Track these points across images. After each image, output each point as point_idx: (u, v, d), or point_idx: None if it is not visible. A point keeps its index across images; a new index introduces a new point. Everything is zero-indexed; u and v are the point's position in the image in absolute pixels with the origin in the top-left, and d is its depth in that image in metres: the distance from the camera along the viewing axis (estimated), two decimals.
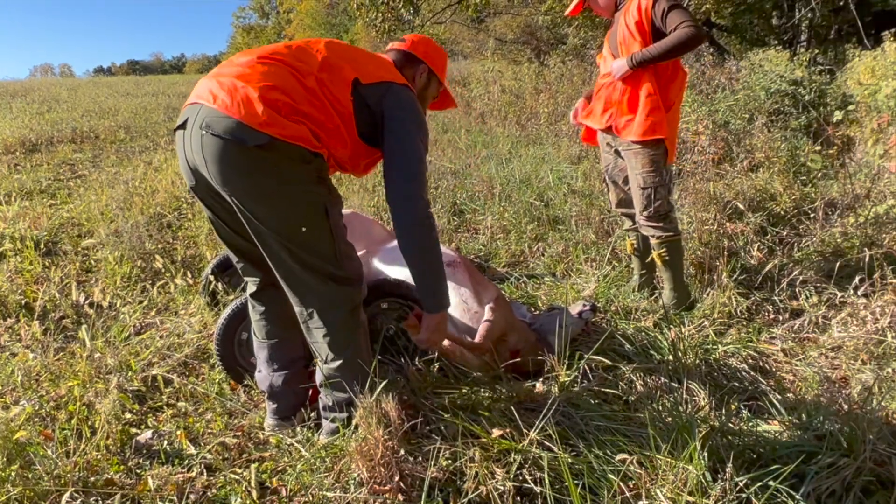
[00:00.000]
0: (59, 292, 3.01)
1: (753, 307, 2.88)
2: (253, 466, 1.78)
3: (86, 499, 1.64)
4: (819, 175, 4.54)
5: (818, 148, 4.84)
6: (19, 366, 2.25)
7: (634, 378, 2.21)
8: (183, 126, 1.66)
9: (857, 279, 2.81)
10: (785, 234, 3.55)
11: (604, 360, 2.30)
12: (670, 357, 2.34)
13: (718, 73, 6.78)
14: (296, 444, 1.86)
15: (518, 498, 1.64)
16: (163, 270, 3.32)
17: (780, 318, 2.82)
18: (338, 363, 1.80)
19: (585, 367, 2.30)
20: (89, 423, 1.95)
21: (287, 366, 1.98)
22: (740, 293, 2.91)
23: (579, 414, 1.91)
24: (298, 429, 1.95)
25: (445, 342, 2.09)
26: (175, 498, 1.67)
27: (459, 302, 2.34)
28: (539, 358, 2.25)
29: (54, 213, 4.54)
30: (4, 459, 1.70)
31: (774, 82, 5.91)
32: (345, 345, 1.79)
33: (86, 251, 3.75)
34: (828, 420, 1.78)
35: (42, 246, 3.77)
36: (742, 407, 2.10)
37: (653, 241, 2.85)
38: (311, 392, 2.06)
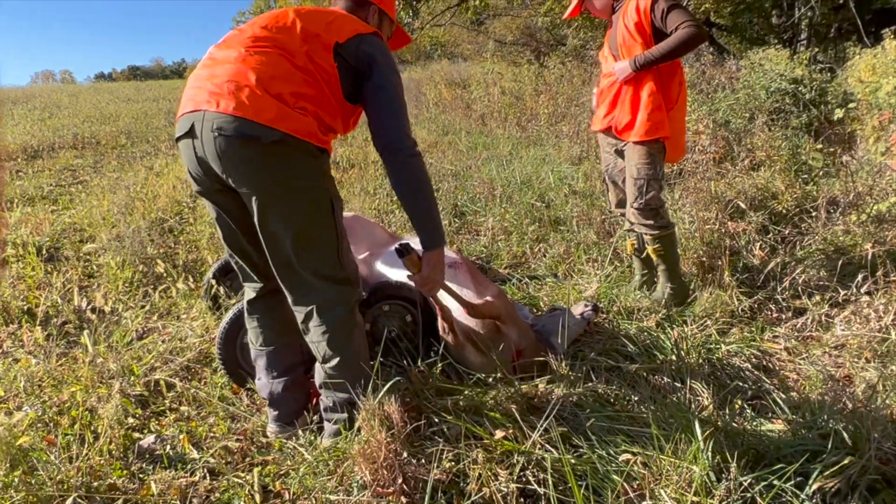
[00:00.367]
0: (61, 298, 3.02)
1: (756, 306, 2.87)
2: (256, 470, 1.78)
3: None
4: (820, 173, 4.53)
5: (819, 146, 4.83)
6: (22, 371, 2.25)
7: (637, 378, 2.20)
8: (190, 133, 1.65)
9: (860, 277, 2.80)
10: (787, 232, 3.55)
11: (607, 360, 2.30)
12: (673, 357, 2.33)
13: (718, 73, 6.77)
14: (298, 448, 1.86)
15: (521, 499, 1.64)
16: (164, 275, 3.33)
17: (783, 316, 2.81)
18: (336, 361, 1.81)
19: (588, 367, 2.30)
20: (92, 428, 1.95)
21: (286, 372, 1.98)
22: (743, 292, 2.90)
23: (582, 414, 1.90)
24: (301, 432, 1.94)
25: (444, 295, 2.14)
26: (178, 502, 1.67)
27: (462, 304, 2.34)
28: (541, 359, 2.24)
29: (56, 218, 4.55)
30: (8, 465, 1.70)
31: (775, 81, 5.90)
32: (344, 344, 1.81)
33: (88, 256, 3.75)
34: (832, 419, 1.77)
35: (44, 252, 3.77)
36: (746, 406, 2.09)
37: (646, 238, 2.85)
38: (312, 396, 2.05)
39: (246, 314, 1.99)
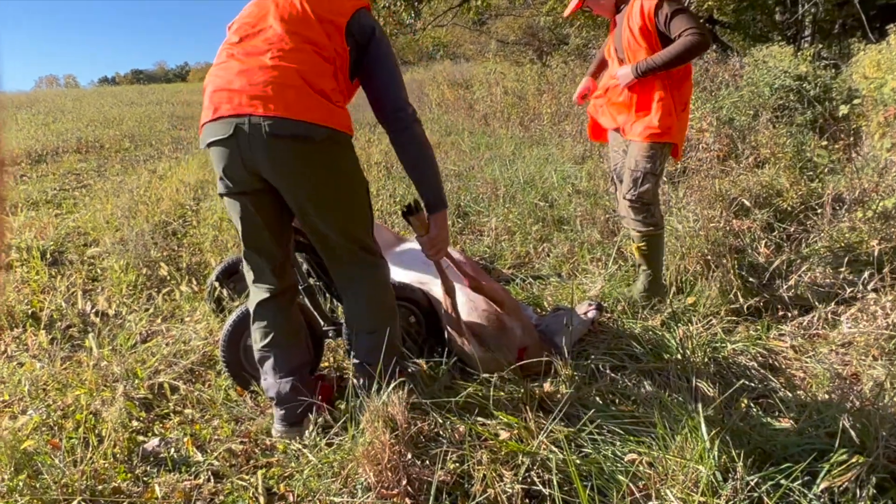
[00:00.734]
0: (65, 301, 3.02)
1: (762, 304, 2.85)
2: (260, 472, 1.77)
3: None
4: (826, 170, 4.50)
5: (824, 143, 4.81)
6: (26, 375, 2.26)
7: (642, 378, 2.19)
8: (234, 136, 1.67)
9: (866, 274, 2.79)
10: (792, 230, 3.53)
11: (611, 359, 2.29)
12: (678, 356, 2.32)
13: (722, 70, 6.74)
14: (303, 450, 1.85)
15: (526, 500, 1.63)
16: (168, 278, 3.33)
17: (789, 314, 2.79)
18: (380, 330, 1.92)
19: (593, 367, 2.29)
20: (96, 431, 1.95)
21: (293, 371, 1.97)
22: (748, 290, 2.89)
23: (587, 414, 1.89)
24: (306, 433, 1.94)
25: (447, 264, 2.23)
26: None
27: (466, 301, 2.34)
28: (546, 358, 2.23)
29: (60, 222, 4.56)
30: (12, 469, 1.70)
31: (779, 78, 5.87)
32: (388, 313, 1.98)
33: (91, 260, 3.76)
34: (839, 417, 1.75)
35: (48, 256, 3.78)
36: (752, 405, 2.07)
37: (634, 234, 2.83)
38: (320, 395, 2.05)
39: (255, 315, 1.97)
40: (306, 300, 2.40)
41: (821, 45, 8.25)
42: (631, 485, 1.60)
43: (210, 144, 1.74)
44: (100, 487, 1.70)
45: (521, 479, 1.65)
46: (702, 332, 2.58)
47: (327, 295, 2.65)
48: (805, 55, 6.41)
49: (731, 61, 7.15)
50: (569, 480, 1.62)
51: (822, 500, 1.54)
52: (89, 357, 2.34)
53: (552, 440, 1.78)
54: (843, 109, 4.68)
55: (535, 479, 1.66)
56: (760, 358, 2.45)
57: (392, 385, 1.83)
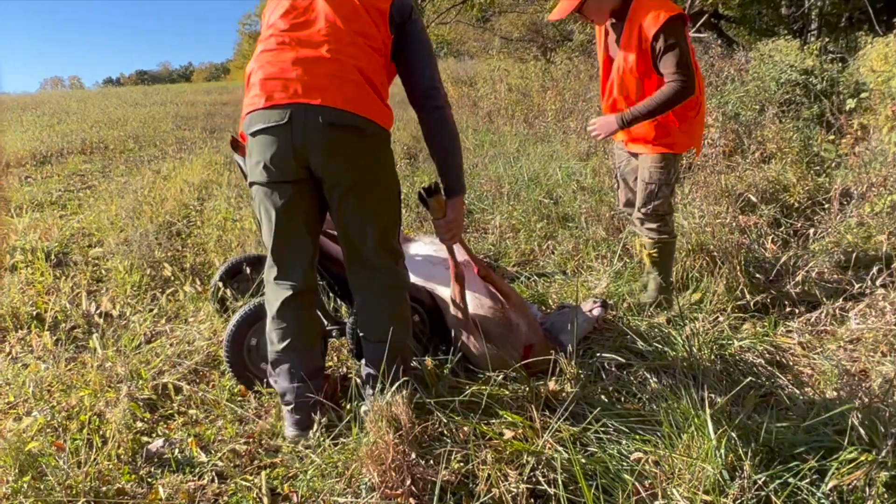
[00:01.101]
0: (69, 302, 3.03)
1: (768, 300, 2.83)
2: (264, 473, 1.77)
3: None
4: (833, 164, 4.47)
5: (831, 137, 4.77)
6: (31, 377, 2.26)
7: (648, 376, 2.17)
8: (288, 124, 1.69)
9: (874, 269, 2.76)
10: (799, 225, 3.50)
11: (617, 357, 2.27)
12: (685, 353, 2.30)
13: (727, 65, 6.70)
14: (307, 450, 1.85)
15: (531, 500, 1.62)
16: (172, 278, 3.33)
17: (797, 311, 2.77)
18: (399, 336, 1.93)
19: (598, 365, 2.27)
20: (100, 432, 1.95)
21: (311, 376, 1.95)
22: (755, 286, 2.86)
23: (593, 413, 1.88)
24: (310, 433, 1.93)
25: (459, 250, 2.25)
26: None
27: (472, 298, 2.33)
28: (551, 356, 2.22)
29: (65, 223, 4.57)
30: (17, 471, 1.70)
31: (785, 72, 5.83)
32: (407, 320, 2.00)
33: (96, 261, 3.77)
34: (848, 414, 1.73)
35: (53, 257, 3.79)
36: (759, 403, 2.05)
37: (645, 240, 2.81)
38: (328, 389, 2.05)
39: (277, 314, 1.91)
40: None
41: (827, 39, 8.18)
42: (637, 484, 1.58)
43: (258, 132, 1.74)
44: (104, 488, 1.70)
45: (525, 478, 1.64)
46: (708, 329, 2.55)
47: (330, 295, 2.65)
48: (811, 49, 6.37)
49: (736, 56, 7.10)
50: (574, 480, 1.61)
51: (830, 498, 1.52)
52: (93, 358, 2.34)
53: (557, 439, 1.77)
54: (851, 103, 4.63)
55: (540, 478, 1.65)
56: (767, 355, 2.43)
57: (396, 385, 1.82)
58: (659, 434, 1.74)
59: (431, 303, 2.39)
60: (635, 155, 2.85)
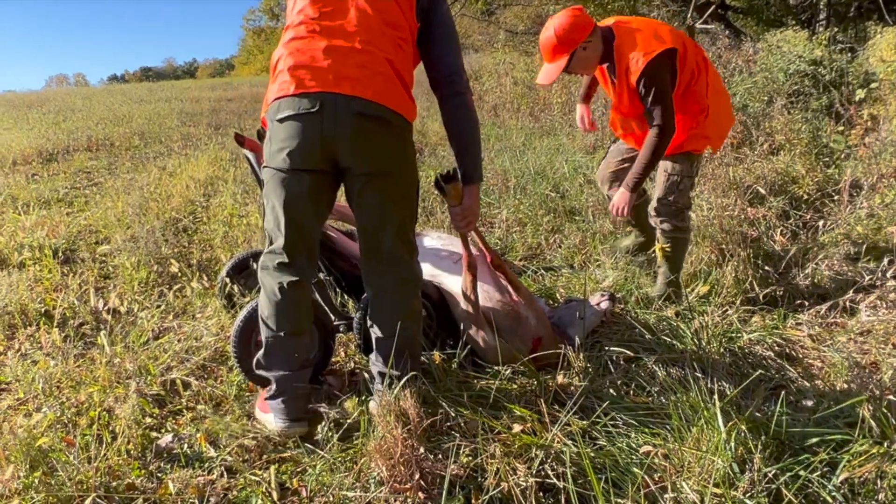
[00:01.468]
0: (77, 299, 3.04)
1: (778, 293, 2.81)
2: (273, 468, 1.77)
3: None
4: (842, 156, 4.43)
5: (840, 128, 4.73)
6: (40, 373, 2.27)
7: (657, 369, 2.17)
8: (319, 112, 1.70)
9: (885, 261, 2.74)
10: (808, 217, 3.48)
11: (626, 351, 2.26)
12: (693, 346, 2.29)
13: (735, 56, 6.65)
14: (315, 445, 1.85)
15: (540, 493, 1.62)
16: (179, 274, 3.34)
17: (806, 303, 2.75)
18: (411, 330, 1.94)
19: (606, 358, 2.26)
20: (110, 428, 1.96)
21: (305, 365, 1.96)
22: (764, 279, 2.85)
23: (602, 406, 1.87)
24: (319, 428, 1.93)
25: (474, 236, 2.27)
26: (196, 501, 1.67)
27: (482, 291, 2.32)
28: (560, 350, 2.22)
29: (72, 221, 4.59)
30: (28, 466, 1.71)
31: (793, 63, 5.77)
32: (419, 314, 2.00)
33: (103, 258, 3.78)
34: (859, 407, 1.72)
35: (60, 254, 3.80)
36: (769, 395, 2.04)
37: (659, 235, 2.80)
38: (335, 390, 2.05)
39: (280, 301, 1.88)
40: (317, 295, 2.40)
41: (836, 29, 8.10)
42: (646, 477, 1.58)
43: (287, 118, 1.73)
44: (114, 484, 1.71)
45: (534, 472, 1.63)
46: (717, 322, 2.54)
47: (337, 290, 2.65)
48: (820, 39, 6.30)
49: (744, 47, 7.05)
50: (583, 473, 1.60)
51: (841, 491, 1.52)
52: (102, 354, 2.35)
53: (566, 433, 1.76)
54: (860, 94, 4.59)
55: (549, 472, 1.65)
56: (777, 348, 2.42)
57: (404, 380, 1.82)
58: (668, 427, 1.73)
59: (438, 297, 2.39)
60: (632, 160, 2.87)
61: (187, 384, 2.26)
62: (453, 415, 1.87)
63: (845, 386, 2.09)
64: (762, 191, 3.66)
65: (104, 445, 1.82)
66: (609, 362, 2.24)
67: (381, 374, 1.95)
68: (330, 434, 1.88)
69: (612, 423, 1.83)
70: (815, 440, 1.66)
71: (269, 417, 1.96)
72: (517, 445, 1.72)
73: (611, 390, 2.07)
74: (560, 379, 2.13)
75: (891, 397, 1.74)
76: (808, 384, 2.14)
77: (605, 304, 2.55)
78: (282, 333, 1.91)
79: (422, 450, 1.67)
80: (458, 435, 1.79)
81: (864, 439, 1.58)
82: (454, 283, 2.35)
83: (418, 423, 1.71)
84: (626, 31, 2.56)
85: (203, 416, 2.09)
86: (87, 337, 2.71)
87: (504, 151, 5.87)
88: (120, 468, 1.78)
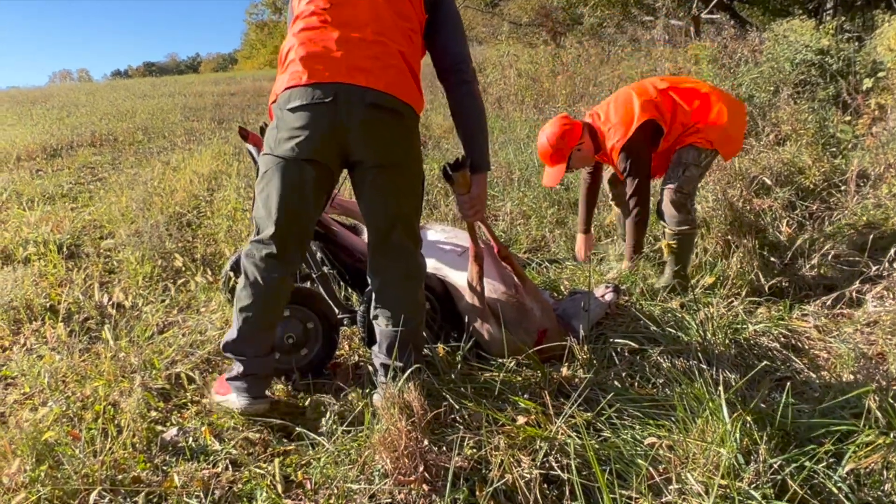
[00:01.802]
0: (82, 294, 3.05)
1: (784, 284, 2.79)
2: (277, 461, 1.77)
3: (114, 497, 1.64)
4: (849, 146, 4.40)
5: (847, 118, 4.69)
6: (46, 368, 2.27)
7: (662, 360, 2.16)
8: (333, 102, 1.70)
9: (892, 251, 2.72)
10: (815, 207, 3.45)
11: (630, 343, 2.25)
12: (698, 338, 2.28)
13: (741, 46, 6.59)
14: (320, 438, 1.85)
15: (545, 485, 1.61)
16: (183, 269, 3.35)
17: (812, 294, 2.73)
18: (415, 323, 1.96)
19: (611, 350, 2.25)
20: (115, 422, 1.96)
21: (270, 351, 1.98)
22: (769, 270, 2.83)
23: (606, 398, 1.86)
24: (322, 421, 1.93)
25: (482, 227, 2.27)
26: (201, 494, 1.67)
27: (487, 283, 2.31)
28: (565, 342, 2.21)
29: (76, 216, 4.59)
30: (34, 460, 1.71)
31: (800, 52, 5.73)
32: (422, 307, 2.00)
33: (107, 253, 3.79)
34: (865, 397, 1.71)
35: (65, 249, 3.81)
36: (775, 386, 2.03)
37: (666, 231, 2.80)
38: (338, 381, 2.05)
39: (266, 289, 1.85)
40: (321, 288, 2.40)
41: (843, 18, 8.03)
42: (651, 469, 1.57)
43: (299, 108, 1.72)
44: (120, 477, 1.71)
45: (539, 464, 1.63)
46: (722, 313, 2.53)
47: (341, 283, 2.64)
48: (827, 28, 6.24)
49: (749, 37, 6.99)
50: (587, 465, 1.60)
51: (847, 482, 1.51)
52: (107, 349, 2.35)
53: (570, 425, 1.76)
54: (868, 83, 4.55)
55: (554, 464, 1.64)
56: (783, 339, 2.40)
57: (408, 372, 1.82)
58: (673, 418, 1.72)
59: (443, 290, 2.39)
60: None
61: (192, 378, 2.26)
62: (457, 407, 1.86)
63: (851, 377, 2.07)
64: (768, 181, 3.64)
65: (110, 439, 1.82)
66: (614, 354, 2.23)
67: (385, 366, 1.95)
68: (334, 427, 1.88)
69: (616, 414, 1.83)
70: (820, 431, 1.65)
71: (231, 397, 1.95)
72: (521, 437, 1.72)
73: (615, 382, 2.06)
74: (564, 371, 2.12)
75: None
76: (813, 375, 2.12)
77: (609, 296, 2.54)
78: (261, 324, 1.90)
79: (426, 442, 1.67)
80: (462, 427, 1.79)
81: (870, 430, 1.56)
82: (458, 277, 2.34)
83: (422, 416, 1.71)
84: (603, 122, 2.93)
85: (208, 410, 2.10)
86: (92, 331, 2.72)
87: (508, 144, 5.85)
88: (125, 461, 1.78)
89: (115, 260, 3.65)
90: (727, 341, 2.30)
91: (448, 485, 1.55)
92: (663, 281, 2.84)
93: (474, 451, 1.71)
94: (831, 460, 1.56)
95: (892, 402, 1.64)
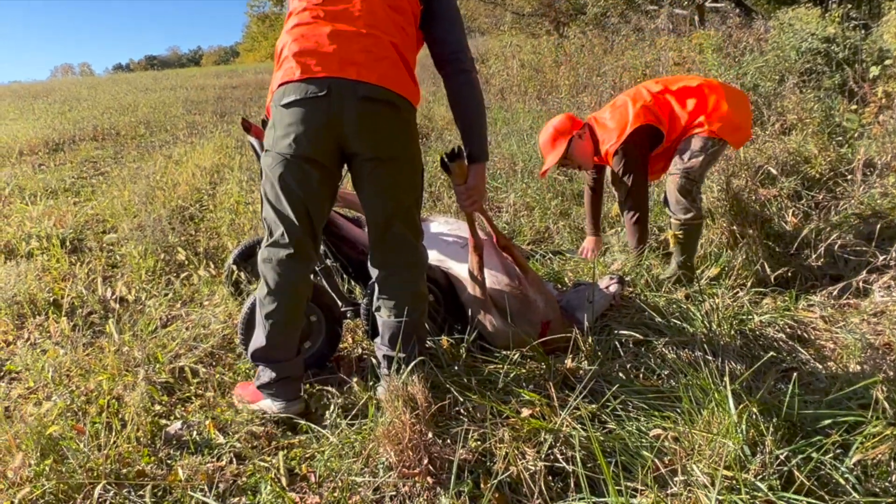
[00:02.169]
0: (85, 288, 3.05)
1: (789, 274, 2.77)
2: (281, 454, 1.77)
3: (118, 490, 1.65)
4: (855, 135, 4.36)
5: (854, 107, 4.65)
6: (50, 362, 2.28)
7: (667, 352, 2.14)
8: (327, 96, 1.69)
9: None
10: (821, 197, 3.43)
11: (635, 334, 2.24)
12: (704, 329, 2.26)
13: (746, 35, 6.54)
14: (324, 431, 1.85)
15: (549, 478, 1.60)
16: (186, 262, 3.34)
17: (819, 284, 2.72)
18: (418, 314, 1.95)
19: (615, 342, 2.24)
20: (119, 416, 1.96)
21: (300, 350, 2.00)
22: (775, 260, 2.81)
23: (611, 390, 1.85)
24: (326, 414, 1.93)
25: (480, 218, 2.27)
26: (205, 487, 1.67)
27: (489, 274, 2.30)
28: (569, 334, 2.20)
29: (79, 210, 4.59)
30: (39, 454, 1.71)
31: (805, 41, 5.68)
32: (422, 298, 1.98)
33: (110, 247, 3.79)
34: (872, 388, 1.69)
35: (68, 243, 3.81)
36: (781, 377, 2.02)
37: (672, 221, 2.78)
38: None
39: (290, 290, 1.86)
40: (324, 281, 2.39)
41: (850, 6, 7.94)
42: (656, 460, 1.56)
43: (293, 103, 1.71)
44: (124, 471, 1.71)
45: (543, 456, 1.62)
46: (728, 304, 2.51)
47: (344, 276, 2.63)
48: (833, 16, 6.18)
49: (755, 25, 6.93)
50: (592, 457, 1.59)
51: (854, 473, 1.49)
52: (111, 343, 2.35)
53: (575, 417, 1.75)
54: (874, 71, 4.50)
55: (559, 456, 1.64)
56: (789, 329, 2.39)
57: (412, 364, 1.81)
58: (678, 410, 1.71)
59: (446, 282, 2.37)
60: None
61: (196, 371, 2.26)
62: (461, 399, 1.86)
63: (858, 367, 2.06)
64: (774, 171, 3.61)
65: (114, 433, 1.82)
66: (618, 346, 2.22)
67: (388, 358, 1.95)
68: (338, 419, 1.88)
69: (621, 406, 1.82)
70: (827, 422, 1.64)
71: (265, 403, 1.97)
72: (526, 430, 1.71)
73: (620, 374, 2.05)
74: (569, 363, 2.11)
75: None
76: (820, 366, 2.11)
77: (613, 288, 2.53)
78: (289, 327, 1.91)
79: (430, 435, 1.66)
80: (466, 419, 1.78)
81: (877, 421, 1.55)
82: (461, 269, 2.33)
83: (426, 408, 1.71)
84: (601, 126, 3.00)
85: (212, 404, 2.09)
86: (96, 326, 2.72)
87: (511, 135, 5.82)
88: (130, 455, 1.79)
89: (118, 254, 3.65)
90: (733, 332, 2.29)
91: (452, 477, 1.55)
92: (668, 272, 2.83)
93: (479, 443, 1.70)
94: (838, 451, 1.54)
95: None
